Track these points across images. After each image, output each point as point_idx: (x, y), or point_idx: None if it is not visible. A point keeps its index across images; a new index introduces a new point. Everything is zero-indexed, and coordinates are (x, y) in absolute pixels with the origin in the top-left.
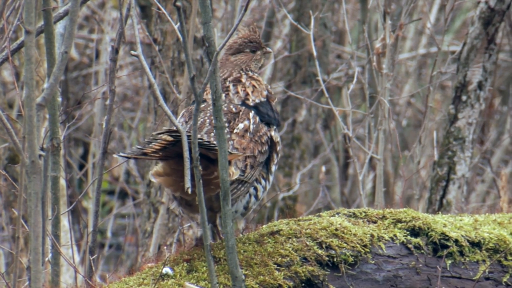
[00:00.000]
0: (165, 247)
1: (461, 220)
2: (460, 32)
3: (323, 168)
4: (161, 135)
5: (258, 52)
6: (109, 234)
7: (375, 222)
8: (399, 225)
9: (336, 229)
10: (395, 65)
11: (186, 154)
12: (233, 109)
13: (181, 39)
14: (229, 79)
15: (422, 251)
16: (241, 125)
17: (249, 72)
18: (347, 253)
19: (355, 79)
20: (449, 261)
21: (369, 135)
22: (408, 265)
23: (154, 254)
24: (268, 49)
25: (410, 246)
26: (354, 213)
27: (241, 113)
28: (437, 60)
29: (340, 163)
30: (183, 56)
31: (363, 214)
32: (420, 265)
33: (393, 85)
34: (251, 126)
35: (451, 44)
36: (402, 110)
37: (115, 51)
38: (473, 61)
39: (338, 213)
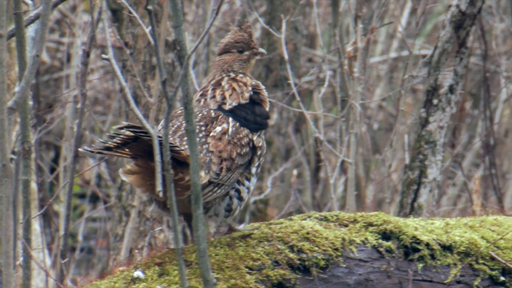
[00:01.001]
0: (136, 251)
1: (432, 224)
2: (431, 36)
3: (295, 172)
4: (122, 129)
5: (246, 53)
6: (80, 237)
7: (346, 225)
8: (371, 228)
9: (308, 233)
10: (366, 69)
11: (157, 157)
12: (212, 114)
13: (152, 42)
14: (212, 82)
15: (394, 254)
16: (218, 128)
17: (231, 74)
18: (319, 257)
19: (326, 83)
20: (420, 265)
21: (341, 138)
22: (380, 269)
23: (125, 257)
24: (261, 49)
25: (381, 249)
26: (325, 217)
27: (220, 117)
28: (408, 63)
29: (311, 167)
30: (155, 60)
31: (335, 217)
32: (392, 268)
33: (365, 88)
34: (230, 129)
35: (422, 47)
36: (374, 113)
37: (86, 54)
38: (444, 65)
39: (309, 217)
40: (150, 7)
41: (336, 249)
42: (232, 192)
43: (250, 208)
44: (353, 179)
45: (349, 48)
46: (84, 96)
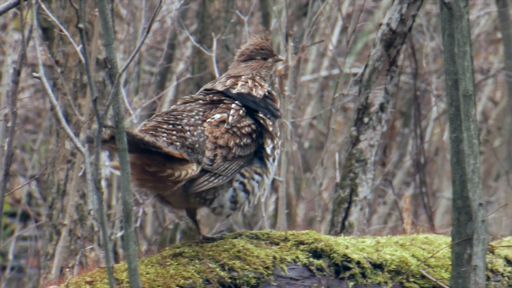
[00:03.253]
0: (67, 269)
1: (363, 242)
2: (362, 54)
3: None
4: (105, 128)
5: (269, 60)
6: (10, 256)
7: (277, 244)
8: (302, 247)
9: (239, 251)
10: (297, 87)
11: (88, 176)
12: (214, 97)
13: (83, 60)
14: (231, 73)
15: (325, 273)
16: (217, 116)
17: (257, 77)
18: (250, 275)
19: None
20: (351, 283)
21: None
22: (311, 287)
23: (56, 276)
24: (280, 57)
25: (312, 268)
26: (256, 235)
27: (222, 104)
28: (339, 82)
29: None
30: (85, 78)
31: (266, 236)
32: (323, 287)
33: (295, 107)
34: (230, 118)
35: (353, 66)
36: (304, 132)
37: (17, 73)
38: (375, 83)
39: (240, 235)
40: (81, 25)
41: (267, 268)
42: (236, 184)
43: (181, 227)
44: (284, 198)
45: (280, 67)
46: (14, 115)
